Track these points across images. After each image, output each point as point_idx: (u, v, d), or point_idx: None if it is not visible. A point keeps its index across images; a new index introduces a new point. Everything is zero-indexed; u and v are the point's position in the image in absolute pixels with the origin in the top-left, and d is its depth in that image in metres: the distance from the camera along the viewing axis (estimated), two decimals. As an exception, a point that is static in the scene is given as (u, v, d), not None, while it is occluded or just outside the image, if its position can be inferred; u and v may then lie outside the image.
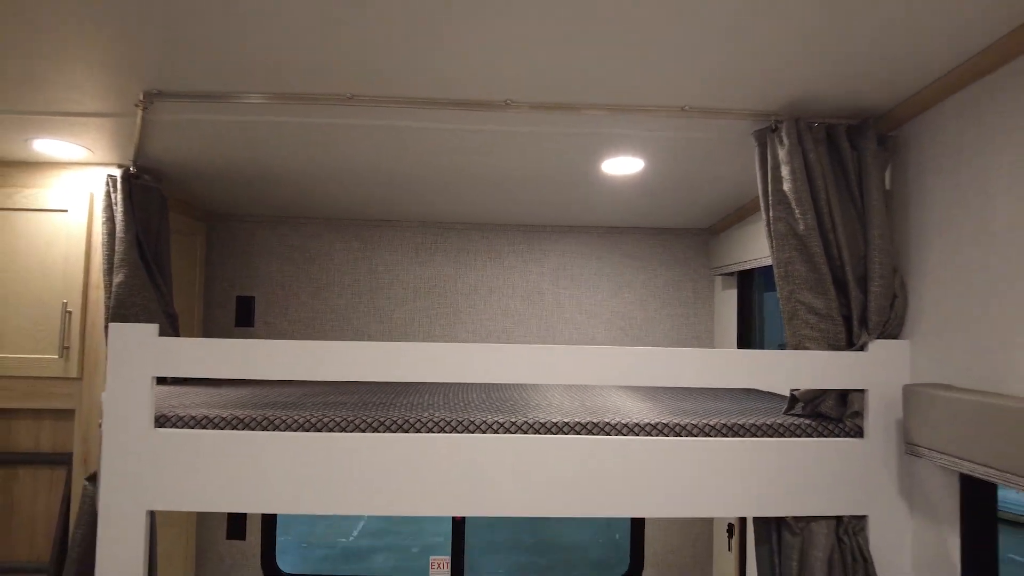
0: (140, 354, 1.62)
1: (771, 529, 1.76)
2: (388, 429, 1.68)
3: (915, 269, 1.71)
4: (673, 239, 3.14)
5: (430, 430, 1.69)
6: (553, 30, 1.38)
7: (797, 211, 1.72)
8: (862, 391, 1.71)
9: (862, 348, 1.71)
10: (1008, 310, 1.38)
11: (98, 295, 2.30)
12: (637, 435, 1.71)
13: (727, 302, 3.01)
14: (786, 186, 1.74)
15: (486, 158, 2.21)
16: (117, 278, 2.20)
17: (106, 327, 2.25)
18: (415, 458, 1.66)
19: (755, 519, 1.80)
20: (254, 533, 2.95)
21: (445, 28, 1.38)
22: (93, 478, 2.12)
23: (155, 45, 1.47)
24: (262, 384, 2.46)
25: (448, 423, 1.70)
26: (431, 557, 2.99)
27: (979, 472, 1.34)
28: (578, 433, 1.70)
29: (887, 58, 1.47)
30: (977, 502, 1.52)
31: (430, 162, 2.26)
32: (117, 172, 2.20)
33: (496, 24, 1.36)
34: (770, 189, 1.78)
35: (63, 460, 2.31)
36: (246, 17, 1.35)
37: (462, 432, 1.69)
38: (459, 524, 3.05)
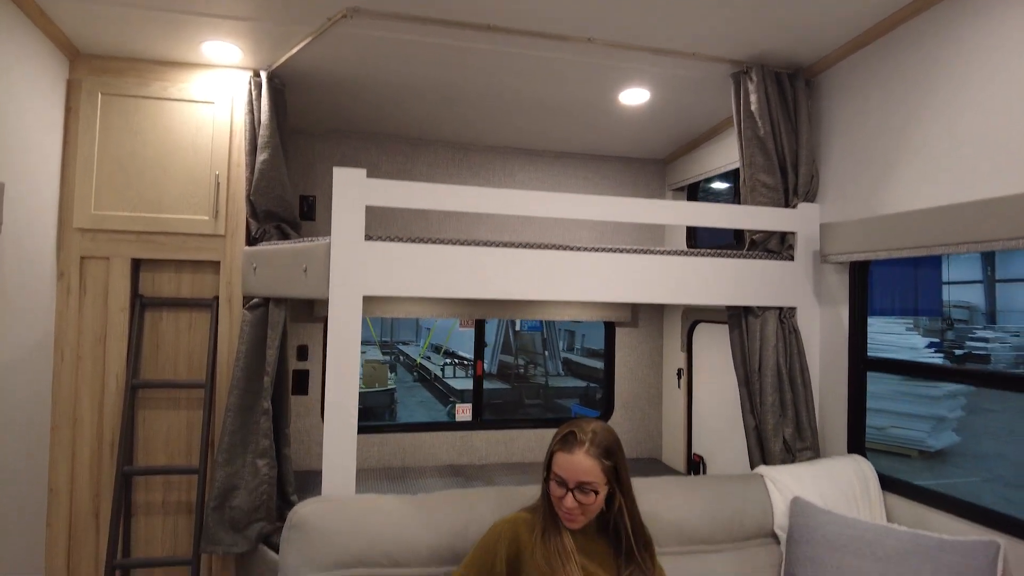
0: (355, 189, 2.32)
1: (740, 317, 2.81)
2: (494, 246, 2.43)
3: (824, 159, 2.83)
4: (638, 166, 4.17)
5: (515, 247, 2.45)
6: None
7: (759, 122, 2.78)
8: (794, 232, 2.81)
9: (794, 207, 2.82)
10: (868, 183, 2.52)
11: (239, 172, 2.88)
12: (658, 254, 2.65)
13: (675, 213, 4.09)
14: (753, 108, 2.79)
15: (527, 84, 3.06)
16: (261, 156, 2.82)
17: (247, 197, 2.86)
18: (506, 263, 2.43)
19: (729, 310, 2.83)
20: (315, 390, 3.59)
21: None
22: (251, 308, 2.76)
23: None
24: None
25: (528, 245, 2.47)
26: (457, 404, 3.79)
27: (859, 257, 2.47)
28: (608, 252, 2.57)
29: (807, 32, 2.55)
30: (857, 282, 2.66)
31: (483, 83, 3.05)
32: (257, 75, 2.83)
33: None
34: (742, 110, 2.84)
35: (207, 304, 2.88)
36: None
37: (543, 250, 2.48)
38: (479, 379, 3.89)
